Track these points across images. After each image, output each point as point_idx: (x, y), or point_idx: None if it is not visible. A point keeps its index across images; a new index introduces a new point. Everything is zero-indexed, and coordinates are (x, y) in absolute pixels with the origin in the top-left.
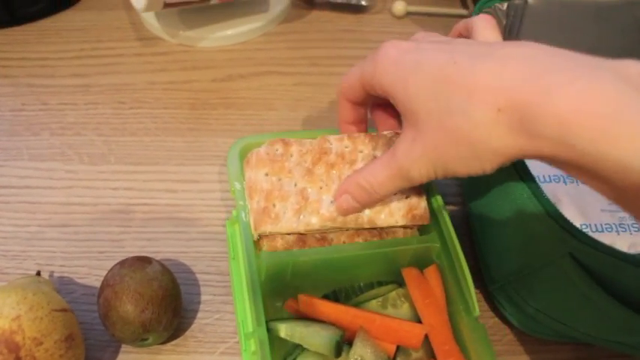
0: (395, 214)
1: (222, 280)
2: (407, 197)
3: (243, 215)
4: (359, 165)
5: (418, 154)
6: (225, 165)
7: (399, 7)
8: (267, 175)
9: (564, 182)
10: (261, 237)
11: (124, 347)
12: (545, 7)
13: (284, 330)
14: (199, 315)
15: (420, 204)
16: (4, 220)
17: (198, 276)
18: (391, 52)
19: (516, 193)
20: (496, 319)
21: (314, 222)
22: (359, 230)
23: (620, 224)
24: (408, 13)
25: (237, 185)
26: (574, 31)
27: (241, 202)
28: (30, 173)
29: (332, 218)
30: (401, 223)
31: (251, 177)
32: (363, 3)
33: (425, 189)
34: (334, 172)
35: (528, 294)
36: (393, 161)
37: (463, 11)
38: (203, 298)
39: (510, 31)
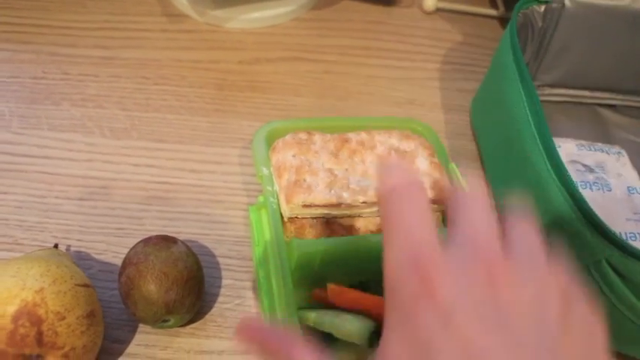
0: None
1: (244, 265)
2: (429, 172)
3: (271, 200)
4: (379, 150)
5: None
6: (249, 148)
7: (429, 3)
8: (294, 156)
9: (591, 189)
10: (288, 224)
11: (142, 327)
12: (581, 12)
13: (313, 318)
14: (220, 299)
15: (443, 178)
16: (19, 189)
17: (219, 259)
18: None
19: (553, 194)
20: None
21: (345, 196)
22: None
23: None
24: (438, 10)
25: (265, 170)
26: (608, 37)
27: (269, 188)
28: (48, 143)
29: (363, 191)
30: (429, 195)
31: (279, 159)
32: None
33: (444, 165)
34: (357, 157)
35: None
36: None
37: (492, 11)
38: (224, 282)
39: (545, 34)
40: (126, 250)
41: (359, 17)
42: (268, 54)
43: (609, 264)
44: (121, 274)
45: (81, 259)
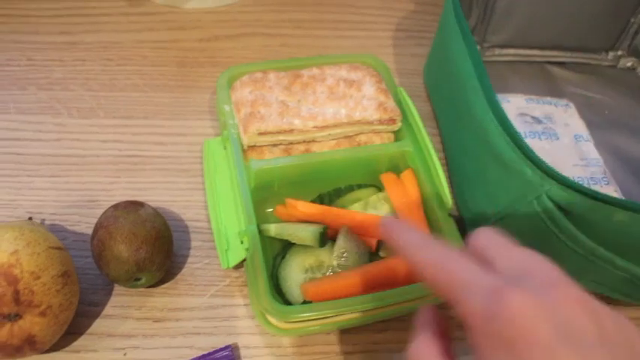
0: (368, 108)
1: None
2: (376, 97)
3: (232, 132)
4: (329, 81)
5: None
6: (214, 119)
7: None
8: (250, 92)
9: (539, 138)
10: (249, 152)
11: (117, 289)
12: None
13: (274, 229)
14: (189, 260)
15: (388, 101)
16: None
17: (187, 223)
18: (541, 332)
19: (495, 139)
20: None
21: (297, 122)
22: (339, 140)
23: (591, 177)
24: None
25: (226, 107)
26: None
27: (230, 121)
28: (18, 126)
29: (313, 117)
30: (375, 116)
31: (237, 96)
32: None
33: (392, 91)
34: (309, 90)
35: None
36: None
37: None
38: (193, 244)
39: None
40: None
41: None
42: (226, 31)
43: (550, 198)
44: (93, 237)
45: (55, 232)
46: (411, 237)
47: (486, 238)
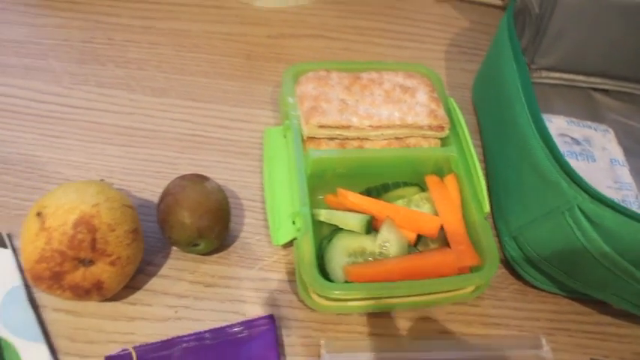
0: (420, 114)
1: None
2: (428, 104)
3: (294, 122)
4: (386, 85)
5: None
6: (275, 111)
7: None
8: (314, 88)
9: (576, 159)
10: (308, 142)
11: (173, 254)
12: (576, 0)
13: (324, 215)
14: (242, 235)
15: (439, 109)
16: (70, 135)
17: (243, 202)
18: None
19: (536, 151)
20: (504, 270)
21: (354, 120)
22: (390, 141)
23: (622, 200)
24: None
25: (290, 99)
26: (602, 26)
27: (292, 112)
28: (96, 97)
29: (369, 117)
30: (426, 122)
31: (301, 90)
32: None
33: (443, 101)
34: (367, 91)
35: (536, 243)
36: None
37: (497, 1)
38: (246, 220)
39: (541, 20)
40: (162, 190)
41: (377, 2)
42: (293, 30)
43: (581, 210)
44: (159, 203)
45: None
46: None
47: None
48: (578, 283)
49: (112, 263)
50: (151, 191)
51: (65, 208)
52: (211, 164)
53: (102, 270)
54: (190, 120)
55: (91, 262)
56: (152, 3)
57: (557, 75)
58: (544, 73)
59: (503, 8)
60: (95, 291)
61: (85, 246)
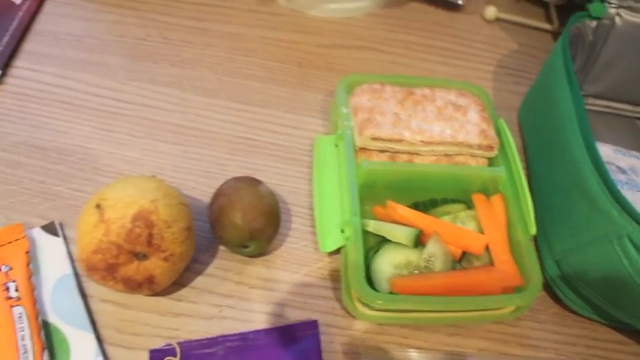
0: (471, 133)
1: (313, 214)
2: (479, 123)
3: (348, 133)
4: (438, 102)
5: None
6: (325, 119)
7: (490, 12)
8: (368, 100)
9: (622, 187)
10: (359, 153)
11: (220, 253)
12: (630, 30)
13: (372, 225)
14: (288, 240)
15: (489, 129)
16: (122, 129)
17: (291, 207)
18: None
19: (587, 178)
20: (543, 292)
21: (406, 134)
22: (439, 157)
23: None
24: (498, 19)
25: (344, 110)
26: None
27: (346, 123)
28: (149, 94)
29: (421, 132)
30: (476, 141)
31: (356, 101)
32: (459, 2)
33: (493, 121)
34: (419, 107)
35: (580, 268)
36: None
37: (547, 25)
38: (293, 226)
39: (594, 48)
40: (211, 190)
41: (426, 18)
42: (343, 41)
43: (630, 240)
44: (212, 203)
45: None
46: None
47: None
48: (622, 312)
49: (166, 259)
50: (200, 190)
51: (124, 202)
52: (260, 167)
53: (155, 265)
54: (241, 122)
55: (145, 257)
56: (207, 5)
57: (603, 103)
58: (590, 100)
59: (552, 32)
60: (146, 285)
61: (142, 240)
